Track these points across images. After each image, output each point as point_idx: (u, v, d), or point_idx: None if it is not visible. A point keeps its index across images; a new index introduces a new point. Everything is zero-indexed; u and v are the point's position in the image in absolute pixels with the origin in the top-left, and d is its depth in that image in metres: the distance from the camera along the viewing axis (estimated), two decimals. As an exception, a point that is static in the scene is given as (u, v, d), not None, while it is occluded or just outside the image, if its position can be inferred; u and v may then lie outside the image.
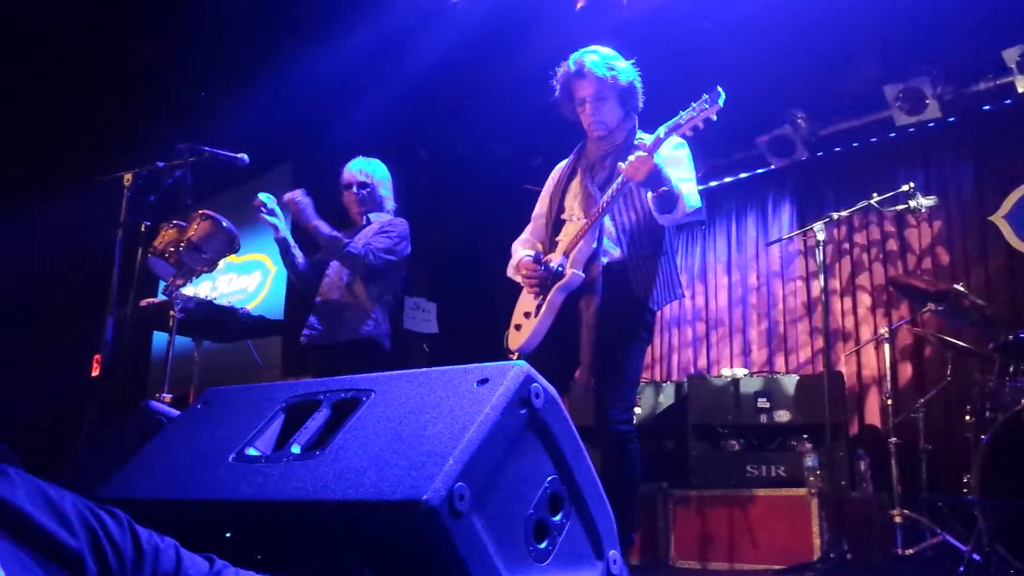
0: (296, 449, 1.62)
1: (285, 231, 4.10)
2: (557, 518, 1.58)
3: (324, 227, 4.00)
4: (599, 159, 3.34)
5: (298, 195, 3.99)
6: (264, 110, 6.13)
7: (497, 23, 5.39)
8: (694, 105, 2.99)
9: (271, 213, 4.04)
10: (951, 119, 5.72)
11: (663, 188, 2.99)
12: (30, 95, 5.75)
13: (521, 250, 3.46)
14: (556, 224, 3.37)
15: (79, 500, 1.12)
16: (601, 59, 3.26)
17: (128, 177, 3.69)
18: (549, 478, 1.59)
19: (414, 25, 5.41)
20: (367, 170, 4.30)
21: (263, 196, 4.04)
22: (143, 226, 3.76)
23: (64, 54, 5.67)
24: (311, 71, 5.87)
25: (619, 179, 3.07)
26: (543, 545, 1.53)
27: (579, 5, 5.01)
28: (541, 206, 3.54)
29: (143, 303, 3.92)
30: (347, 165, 4.34)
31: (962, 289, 4.26)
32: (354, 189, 4.27)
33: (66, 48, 5.64)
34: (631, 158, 2.95)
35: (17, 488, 1.06)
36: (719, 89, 2.95)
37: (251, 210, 4.09)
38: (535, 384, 1.58)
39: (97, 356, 4.01)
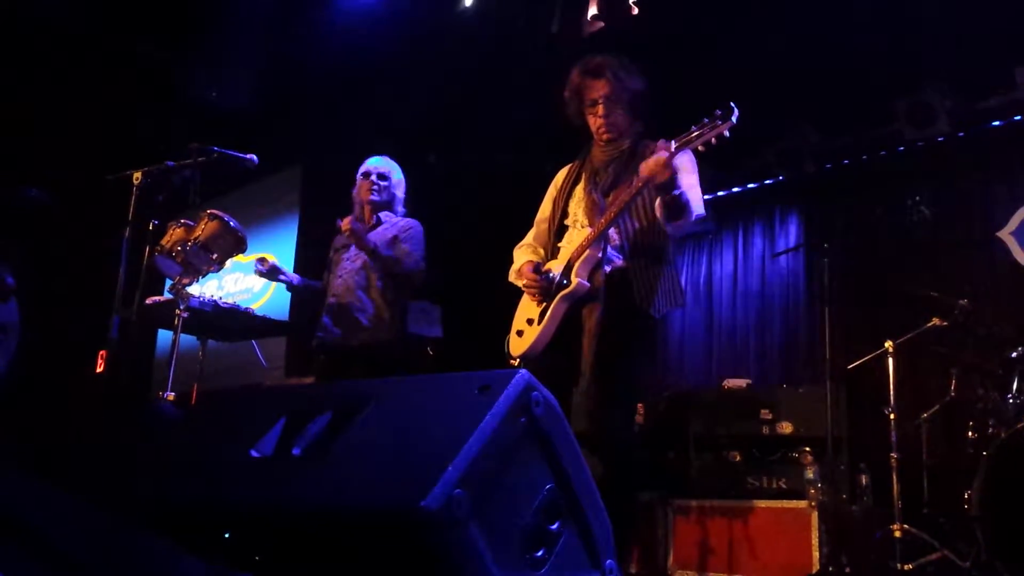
0: (297, 453, 1.63)
1: (291, 277, 4.36)
2: (554, 527, 1.59)
3: (381, 248, 4.06)
4: (603, 165, 3.33)
5: (351, 223, 4.04)
6: (275, 112, 6.16)
7: (507, 31, 5.41)
8: (706, 120, 2.94)
9: (272, 271, 4.24)
10: (960, 134, 5.71)
11: (676, 192, 2.98)
12: (41, 92, 5.78)
13: (523, 256, 3.45)
14: (559, 229, 3.37)
15: (80, 502, 1.13)
16: (617, 62, 3.27)
17: (137, 176, 3.70)
18: (547, 487, 1.60)
19: (426, 31, 5.44)
20: (390, 167, 4.36)
21: (257, 263, 4.24)
22: (151, 225, 3.78)
23: (75, 52, 5.70)
24: (323, 74, 5.90)
25: (631, 187, 3.05)
26: (539, 554, 1.53)
27: (590, 14, 5.03)
28: (544, 211, 3.54)
29: (149, 301, 3.93)
30: (369, 159, 4.40)
31: (967, 305, 4.26)
32: (373, 177, 4.31)
33: (77, 46, 5.68)
34: (650, 160, 2.92)
35: (20, 489, 1.07)
36: (732, 105, 2.89)
37: (260, 211, 4.12)
38: (535, 392, 1.59)
39: (102, 352, 4.02)
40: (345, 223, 4.03)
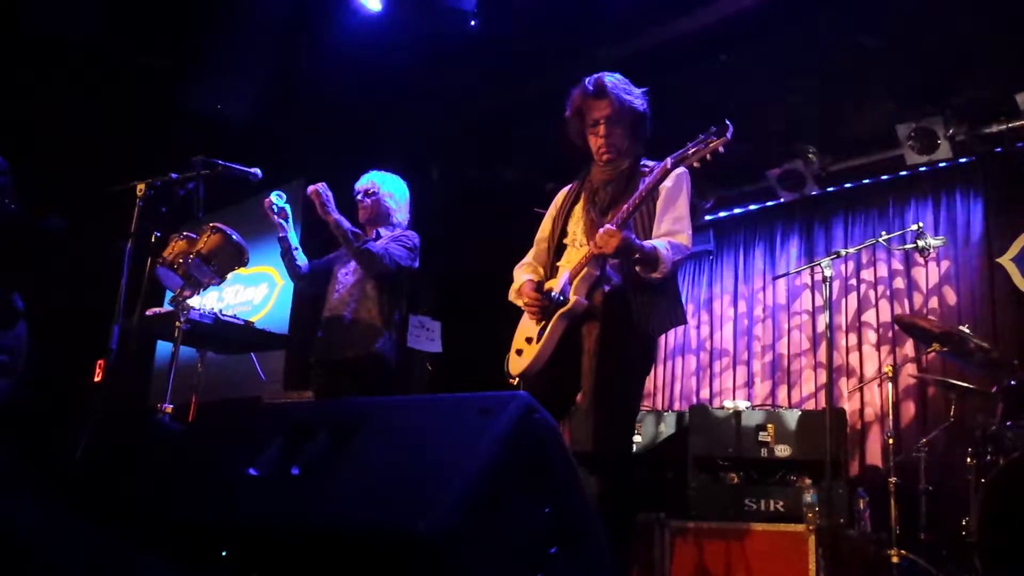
0: (295, 472, 1.63)
1: (290, 232, 4.13)
2: (552, 551, 1.58)
3: (345, 222, 4.01)
4: (602, 184, 3.33)
5: (322, 187, 4.00)
6: (278, 125, 6.17)
7: (513, 49, 5.43)
8: (701, 137, 2.97)
9: (280, 213, 4.07)
10: (962, 160, 5.74)
11: (637, 256, 3.00)
12: (45, 102, 5.79)
13: (523, 275, 3.45)
14: (558, 248, 3.37)
15: (76, 517, 1.13)
16: (619, 82, 3.28)
17: (141, 187, 3.70)
18: (545, 510, 1.59)
19: (432, 48, 5.45)
20: (376, 180, 4.33)
21: (274, 196, 4.07)
22: (153, 236, 3.77)
23: (80, 63, 5.72)
24: (327, 88, 5.91)
25: (628, 206, 3.06)
26: (537, 578, 1.53)
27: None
28: (544, 230, 3.54)
29: (149, 312, 3.93)
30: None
31: (967, 331, 4.26)
32: (359, 196, 4.30)
33: (82, 57, 5.69)
34: (600, 232, 2.95)
35: (16, 504, 1.07)
36: (727, 122, 2.93)
37: (261, 224, 4.11)
38: (536, 415, 1.58)
39: (100, 361, 4.02)
40: (311, 188, 3.98)
